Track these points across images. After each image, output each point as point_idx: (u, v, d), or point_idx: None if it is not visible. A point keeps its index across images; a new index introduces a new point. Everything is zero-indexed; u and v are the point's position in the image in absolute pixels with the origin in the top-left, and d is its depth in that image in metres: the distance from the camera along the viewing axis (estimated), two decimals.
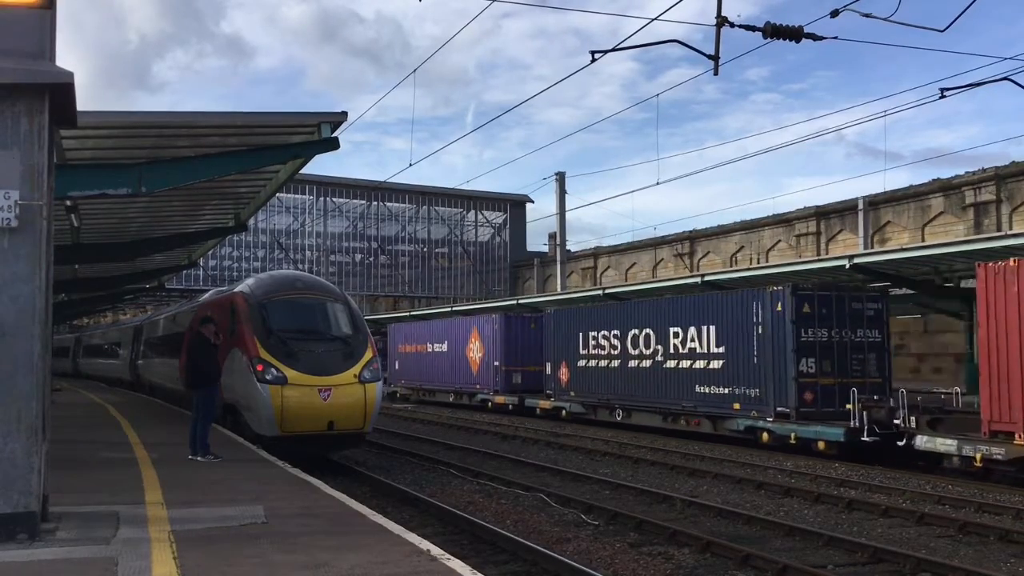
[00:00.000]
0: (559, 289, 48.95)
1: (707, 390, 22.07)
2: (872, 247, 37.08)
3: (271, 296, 17.04)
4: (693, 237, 50.98)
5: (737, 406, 20.94)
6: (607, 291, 32.37)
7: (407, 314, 48.67)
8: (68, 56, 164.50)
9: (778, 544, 10.96)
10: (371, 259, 64.77)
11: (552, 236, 57.04)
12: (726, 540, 10.81)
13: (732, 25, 12.15)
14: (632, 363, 25.03)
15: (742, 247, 47.48)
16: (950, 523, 12.04)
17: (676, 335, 23.28)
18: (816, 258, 32.49)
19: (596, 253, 59.19)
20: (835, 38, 12.91)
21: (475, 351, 34.44)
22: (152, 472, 11.61)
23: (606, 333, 26.34)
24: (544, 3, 60.68)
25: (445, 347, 37.04)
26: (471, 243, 67.50)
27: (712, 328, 21.97)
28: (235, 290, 18.36)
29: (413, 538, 7.78)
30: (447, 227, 66.81)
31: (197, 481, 10.97)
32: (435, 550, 7.25)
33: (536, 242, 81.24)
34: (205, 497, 9.77)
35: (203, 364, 13.71)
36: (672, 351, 23.37)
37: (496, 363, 32.76)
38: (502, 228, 68.37)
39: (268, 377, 15.55)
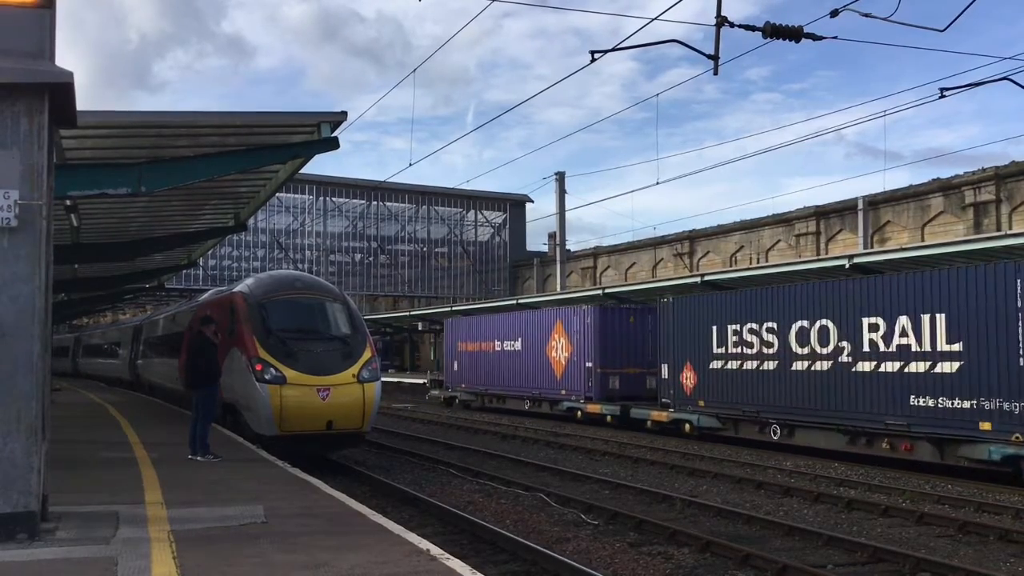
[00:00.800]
0: (559, 289, 48.95)
1: (930, 403, 16.63)
2: (872, 247, 37.10)
3: (270, 296, 17.13)
4: (693, 237, 50.97)
5: (986, 426, 15.50)
6: (607, 291, 32.38)
7: (473, 306, 42.82)
8: (68, 55, 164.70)
9: (778, 544, 10.96)
10: (371, 259, 64.76)
11: (552, 236, 57.05)
12: (726, 540, 10.81)
13: (732, 25, 12.15)
14: (798, 365, 19.43)
15: (742, 247, 47.47)
16: (950, 523, 12.04)
17: (874, 328, 17.79)
18: (816, 258, 32.48)
19: (596, 253, 59.18)
20: (835, 38, 12.91)
21: (559, 349, 29.10)
22: (152, 472, 11.62)
23: (755, 326, 20.67)
24: (544, 3, 60.65)
25: (519, 345, 31.51)
26: (471, 243, 67.48)
27: (940, 317, 16.49)
28: (234, 290, 18.41)
29: (413, 538, 7.78)
30: (447, 227, 66.81)
31: (197, 481, 10.97)
32: (435, 550, 7.25)
33: (536, 242, 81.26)
34: (205, 497, 9.77)
35: (204, 364, 13.72)
36: (868, 349, 17.84)
37: (588, 364, 27.47)
38: (502, 228, 68.36)
39: (267, 377, 15.66)
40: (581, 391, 27.84)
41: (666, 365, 23.85)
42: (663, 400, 23.96)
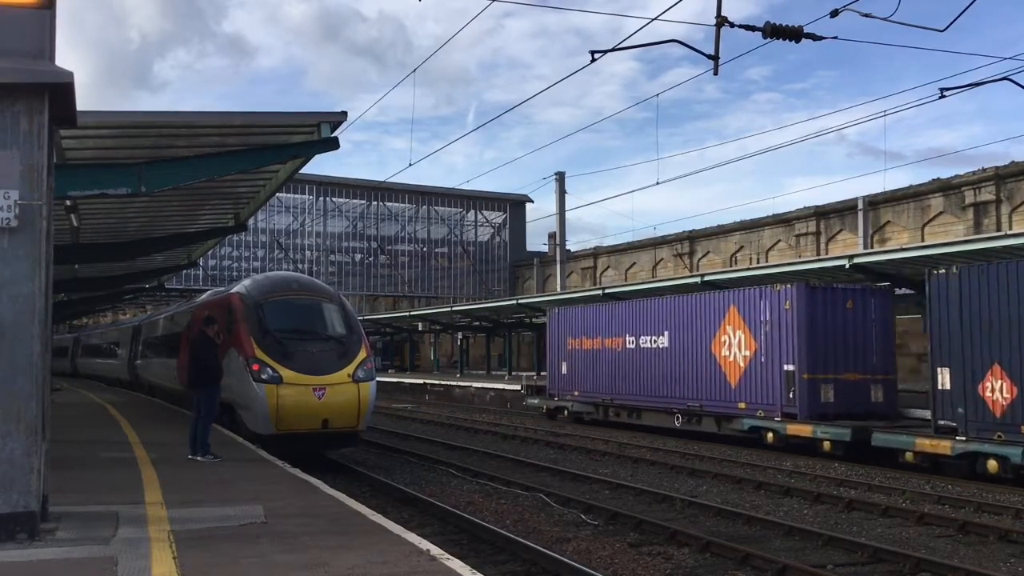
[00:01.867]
0: (559, 289, 48.93)
1: None
2: (872, 247, 37.10)
3: (267, 297, 17.37)
4: (693, 237, 51.00)
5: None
6: (606, 291, 32.39)
7: (593, 291, 35.02)
8: (69, 55, 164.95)
9: (778, 544, 10.96)
10: (371, 259, 64.78)
11: (552, 236, 57.07)
12: (726, 540, 10.80)
13: (732, 25, 12.16)
14: None
15: (742, 247, 47.49)
16: (950, 523, 12.04)
17: None
18: (816, 258, 32.49)
19: (596, 253, 59.22)
20: (835, 38, 12.92)
21: (734, 346, 21.96)
22: (152, 472, 11.62)
23: None
24: (544, 2, 60.70)
25: (665, 340, 24.48)
26: (471, 243, 67.52)
27: None
28: (232, 291, 18.72)
29: (413, 538, 7.78)
30: (447, 227, 66.84)
31: (197, 481, 10.97)
32: (435, 550, 7.24)
33: (536, 242, 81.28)
34: (205, 497, 9.77)
35: (206, 363, 13.80)
36: None
37: (788, 367, 20.20)
38: (502, 228, 68.38)
39: (264, 377, 15.90)
40: (776, 404, 20.41)
41: (946, 370, 16.72)
42: (941, 422, 16.80)
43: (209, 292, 23.57)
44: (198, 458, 12.94)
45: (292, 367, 16.08)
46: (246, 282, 18.89)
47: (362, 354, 16.94)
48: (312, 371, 16.16)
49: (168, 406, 23.61)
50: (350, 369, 16.50)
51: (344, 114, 12.07)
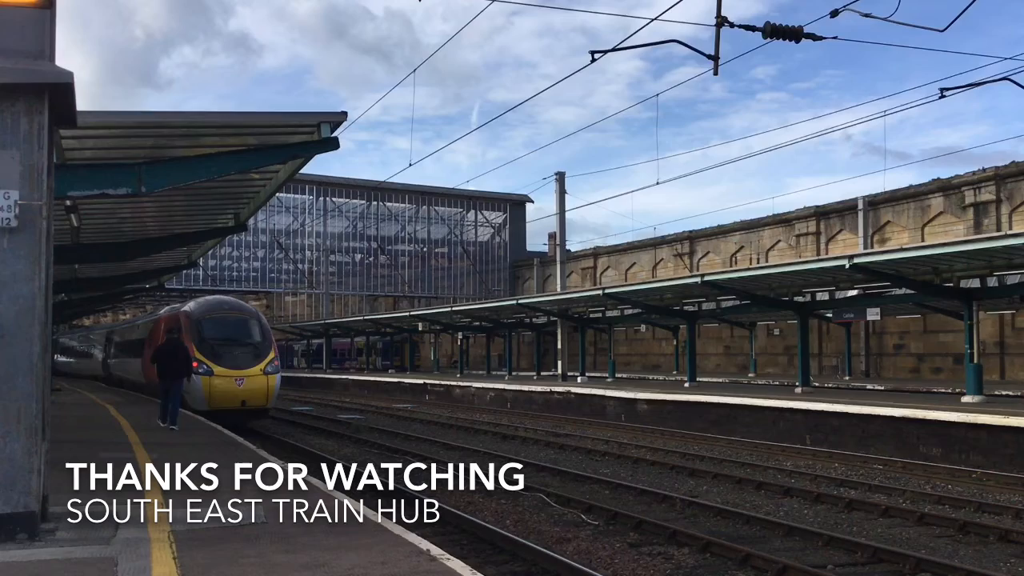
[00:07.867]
0: (559, 289, 48.94)
1: None
2: (872, 247, 37.10)
3: (205, 315, 24.48)
4: (693, 237, 51.01)
5: None
6: (607, 291, 32.38)
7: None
8: (74, 53, 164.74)
9: (778, 544, 10.95)
10: (371, 259, 64.78)
11: (552, 236, 57.06)
12: (726, 540, 10.80)
13: (732, 25, 12.16)
14: None
15: (742, 247, 47.49)
16: (950, 523, 12.03)
17: None
18: (816, 258, 32.49)
19: (596, 253, 59.21)
20: (835, 38, 12.93)
21: None
22: (152, 472, 11.58)
23: None
24: (547, 2, 60.59)
25: None
26: (471, 243, 67.51)
27: None
28: (181, 309, 25.69)
29: (413, 538, 7.78)
30: (447, 227, 66.85)
31: (197, 481, 10.94)
32: (435, 550, 7.25)
33: (537, 241, 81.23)
34: (205, 497, 9.75)
35: (182, 363, 18.51)
36: None
37: None
38: (502, 228, 68.38)
39: (200, 371, 22.16)
40: None
41: None
42: None
43: (166, 308, 30.41)
44: (172, 426, 17.15)
45: (221, 364, 22.90)
46: (191, 304, 26.17)
47: (271, 355, 23.96)
48: (235, 367, 22.99)
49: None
50: (262, 366, 23.46)
51: (344, 114, 12.06)
